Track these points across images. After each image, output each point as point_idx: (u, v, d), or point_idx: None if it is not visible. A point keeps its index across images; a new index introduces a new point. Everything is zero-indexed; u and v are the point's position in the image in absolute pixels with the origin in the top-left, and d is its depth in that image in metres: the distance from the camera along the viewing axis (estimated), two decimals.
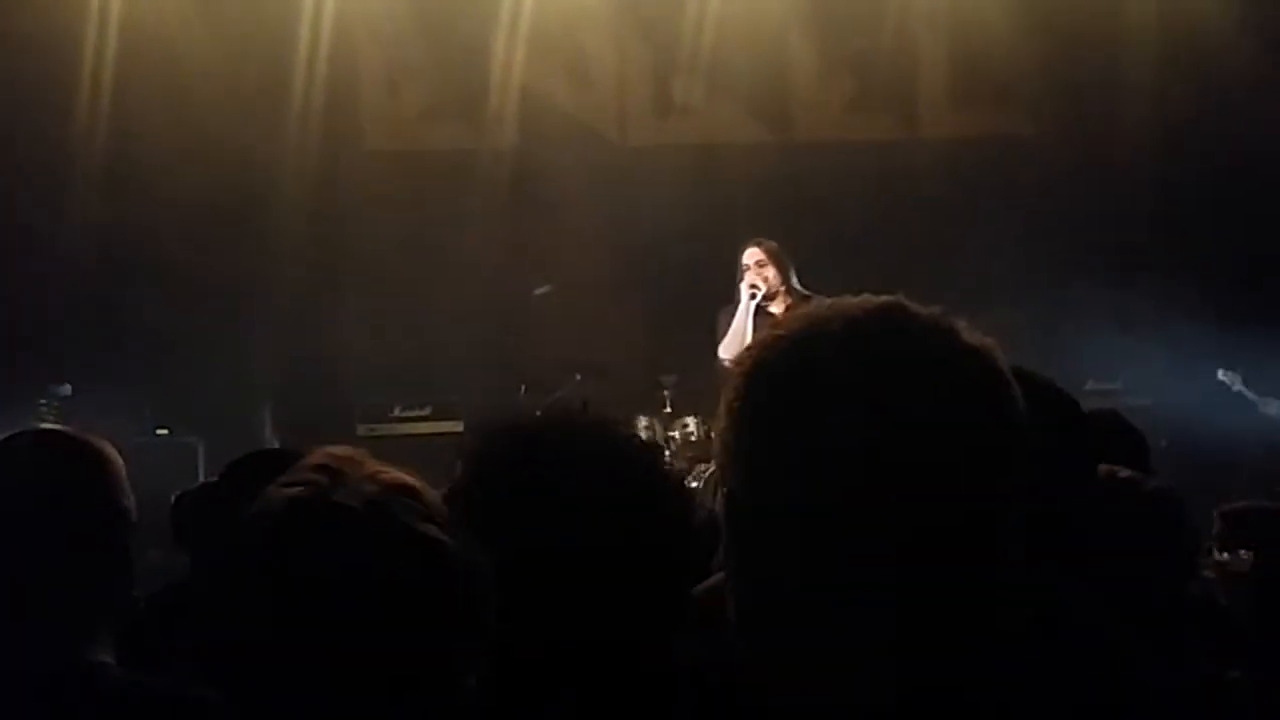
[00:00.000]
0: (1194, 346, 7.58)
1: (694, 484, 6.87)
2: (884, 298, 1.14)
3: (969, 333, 1.11)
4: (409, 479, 1.33)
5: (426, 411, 8.01)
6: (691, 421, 7.42)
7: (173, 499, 4.35)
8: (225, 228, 8.29)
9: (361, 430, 7.73)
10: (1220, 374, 7.82)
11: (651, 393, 7.67)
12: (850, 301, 1.14)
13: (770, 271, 6.60)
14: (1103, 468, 2.34)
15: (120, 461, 2.18)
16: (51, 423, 6.77)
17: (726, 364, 6.58)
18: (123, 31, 8.38)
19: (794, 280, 6.64)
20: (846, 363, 1.08)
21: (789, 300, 6.53)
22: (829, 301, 1.14)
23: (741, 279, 6.64)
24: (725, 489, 1.12)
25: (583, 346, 8.08)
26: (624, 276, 8.65)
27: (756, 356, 1.12)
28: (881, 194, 8.56)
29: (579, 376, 7.73)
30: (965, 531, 1.03)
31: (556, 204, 8.61)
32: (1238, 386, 7.81)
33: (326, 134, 8.70)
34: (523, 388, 7.78)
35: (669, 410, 7.55)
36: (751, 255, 6.65)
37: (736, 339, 6.48)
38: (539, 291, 7.95)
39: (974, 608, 1.04)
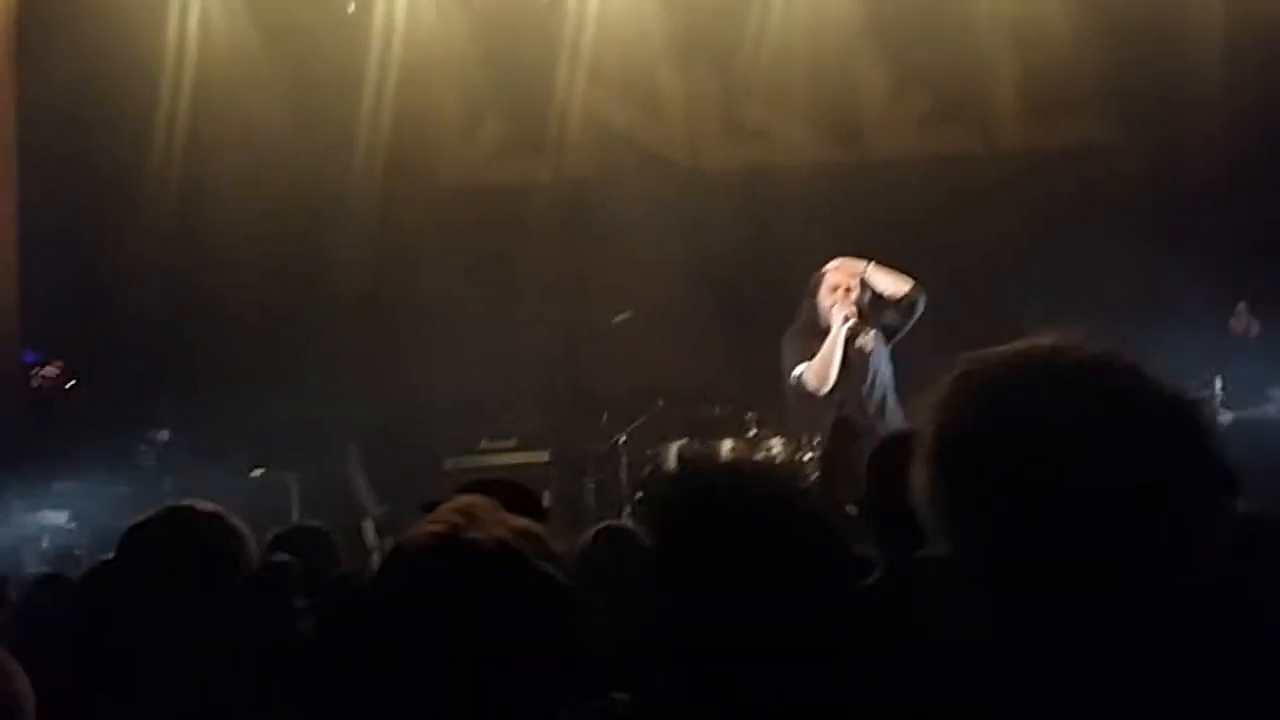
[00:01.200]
0: (1266, 355, 7.43)
1: None
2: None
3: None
4: (532, 525, 1.43)
5: (512, 443, 8.07)
6: (776, 444, 7.40)
7: (269, 537, 4.48)
8: (301, 269, 8.44)
9: (449, 464, 7.81)
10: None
11: (734, 416, 7.68)
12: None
13: (857, 298, 6.51)
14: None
15: (247, 533, 2.34)
16: (152, 467, 6.95)
17: (810, 390, 6.53)
18: (198, 76, 8.59)
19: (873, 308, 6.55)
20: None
21: (864, 323, 6.47)
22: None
23: (818, 299, 6.55)
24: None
25: (662, 373, 8.10)
26: (700, 301, 8.67)
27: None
28: (958, 208, 8.49)
29: (661, 403, 7.76)
30: None
31: (629, 232, 8.66)
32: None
33: (401, 175, 8.84)
34: (604, 415, 7.82)
35: (753, 433, 7.54)
36: (842, 279, 6.52)
37: (825, 367, 6.41)
38: (618, 319, 8.00)
39: None
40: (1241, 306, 7.49)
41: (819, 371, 6.46)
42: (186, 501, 2.46)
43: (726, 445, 7.31)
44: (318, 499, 7.02)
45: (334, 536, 4.61)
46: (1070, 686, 1.10)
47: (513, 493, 2.79)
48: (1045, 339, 1.20)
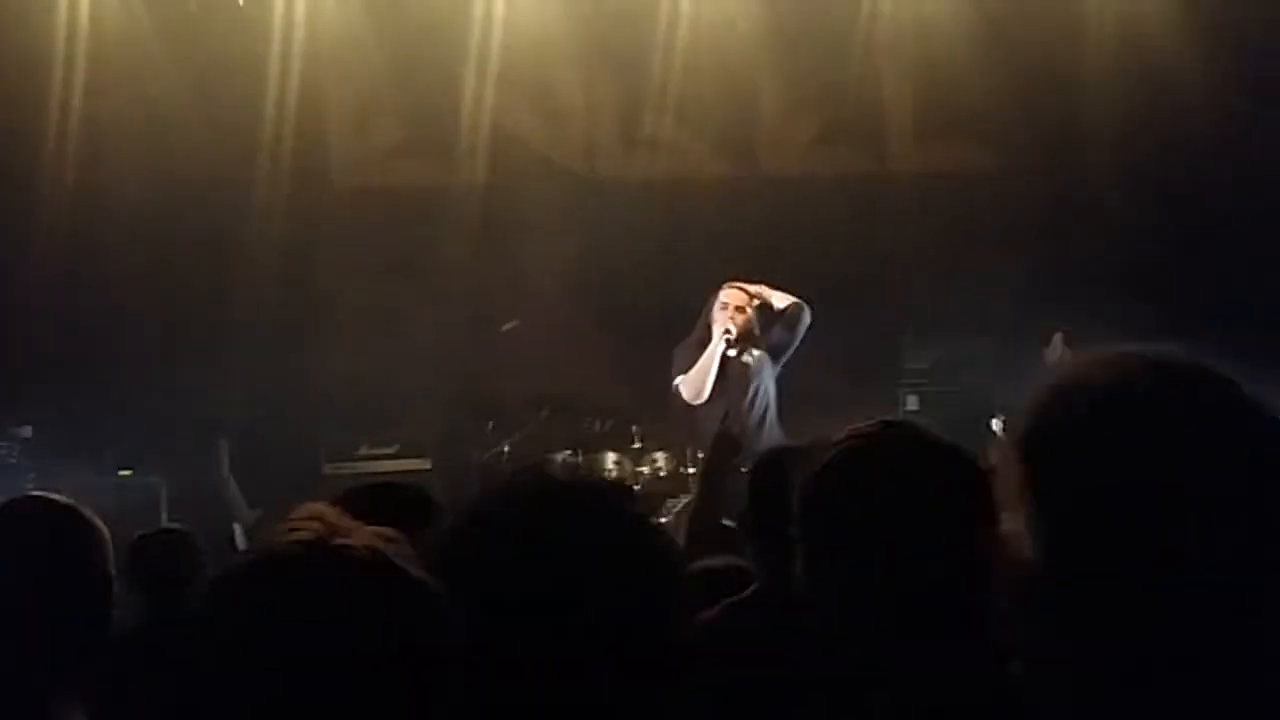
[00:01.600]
0: None
1: (663, 519, 6.85)
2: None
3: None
4: (390, 531, 1.36)
5: (393, 450, 7.95)
6: (660, 457, 7.40)
7: (134, 541, 4.34)
8: (191, 264, 8.24)
9: (327, 469, 7.68)
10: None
11: (620, 428, 7.65)
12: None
13: (745, 318, 6.61)
14: None
15: (101, 530, 2.24)
16: (13, 464, 6.70)
17: (685, 400, 6.59)
18: (91, 67, 8.36)
19: (758, 325, 6.66)
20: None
21: (750, 343, 6.59)
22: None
23: (710, 316, 6.63)
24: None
25: (551, 382, 8.04)
26: (593, 311, 8.63)
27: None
28: (849, 228, 8.59)
29: (546, 412, 7.70)
30: None
31: (525, 239, 8.61)
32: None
33: (295, 171, 8.68)
34: (490, 424, 7.74)
35: (638, 446, 7.53)
36: (733, 298, 6.63)
37: (700, 379, 6.51)
38: (506, 327, 7.93)
39: None
40: (1057, 338, 7.65)
41: (694, 382, 6.58)
42: (40, 492, 2.38)
43: (610, 458, 7.29)
44: (187, 502, 6.82)
45: (199, 540, 4.49)
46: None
47: (405, 497, 2.70)
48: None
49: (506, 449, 7.59)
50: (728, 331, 6.56)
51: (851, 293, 8.42)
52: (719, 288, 6.85)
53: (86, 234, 8.20)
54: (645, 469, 7.38)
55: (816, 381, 7.06)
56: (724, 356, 6.54)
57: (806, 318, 6.74)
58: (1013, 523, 1.13)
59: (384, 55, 8.78)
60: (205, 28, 8.46)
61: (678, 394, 6.68)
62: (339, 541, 1.30)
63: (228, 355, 7.99)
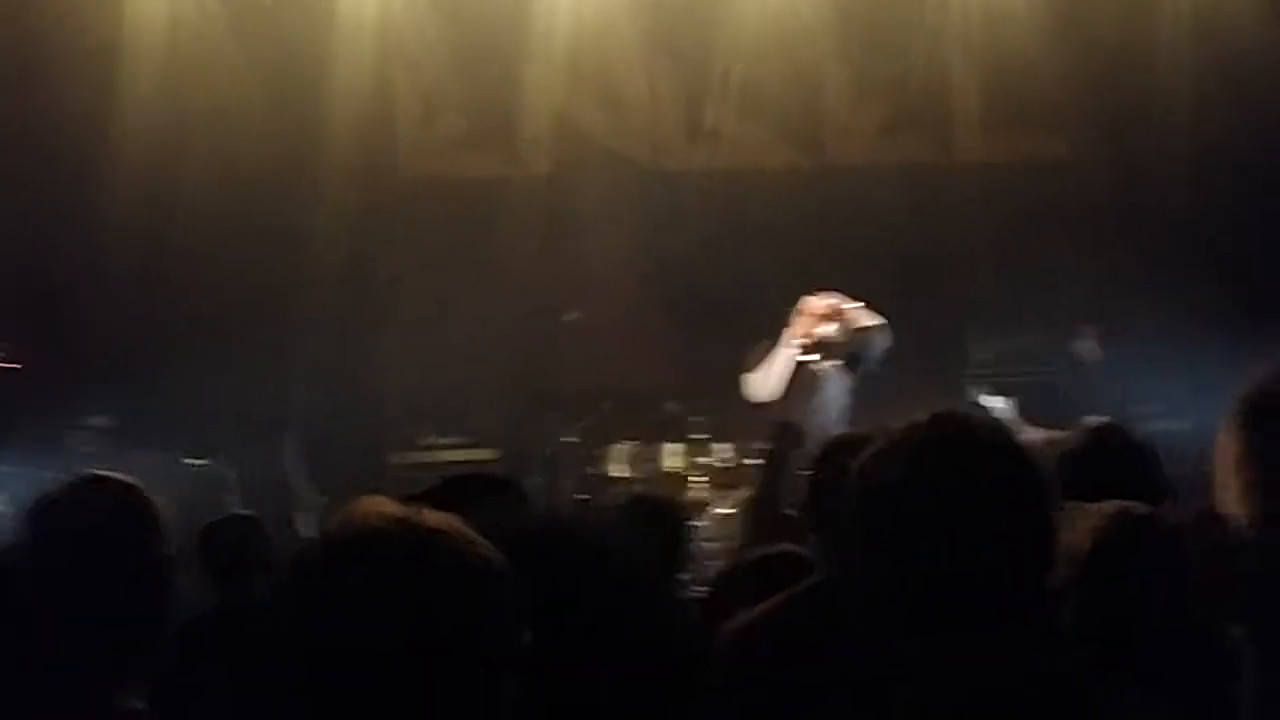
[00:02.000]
0: (1232, 368, 7.45)
1: (725, 511, 6.85)
2: None
3: None
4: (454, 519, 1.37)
5: (458, 440, 8.00)
6: (723, 449, 7.38)
7: (203, 528, 4.41)
8: (260, 256, 8.34)
9: (392, 459, 7.73)
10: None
11: (682, 419, 7.65)
12: None
13: (823, 328, 6.58)
14: None
15: (162, 511, 2.23)
16: (90, 453, 6.82)
17: (750, 396, 6.56)
18: (163, 59, 8.47)
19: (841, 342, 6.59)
20: None
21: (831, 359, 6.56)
22: None
23: (797, 320, 6.61)
24: None
25: (614, 372, 8.05)
26: (656, 302, 8.63)
27: None
28: (915, 217, 8.50)
29: (609, 403, 7.71)
30: None
31: (589, 230, 8.62)
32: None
33: (362, 163, 8.75)
34: (554, 415, 7.76)
35: (701, 437, 7.52)
36: (814, 306, 6.60)
37: (767, 379, 6.53)
38: (569, 318, 7.94)
39: None
40: (1088, 332, 7.50)
41: (760, 381, 6.60)
42: (102, 470, 2.37)
43: (671, 449, 7.29)
44: (257, 490, 6.91)
45: (267, 527, 4.55)
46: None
47: (490, 484, 2.71)
48: None
49: (571, 439, 7.61)
50: (805, 337, 6.55)
51: (917, 283, 8.34)
52: (809, 293, 6.82)
53: (159, 227, 8.32)
54: (707, 460, 7.37)
55: (882, 372, 7.01)
56: (797, 362, 6.53)
57: (887, 340, 6.69)
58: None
59: (449, 46, 8.82)
60: (275, 20, 8.55)
61: (745, 388, 6.64)
62: (418, 520, 1.32)
63: (296, 347, 8.08)
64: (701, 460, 7.39)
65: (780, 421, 5.06)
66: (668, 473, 7.36)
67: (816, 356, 6.60)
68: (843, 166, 9.01)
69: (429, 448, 7.93)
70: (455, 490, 2.42)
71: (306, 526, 6.89)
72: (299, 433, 7.80)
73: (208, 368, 7.64)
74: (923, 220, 8.53)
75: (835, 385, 6.65)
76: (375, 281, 8.52)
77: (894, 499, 1.67)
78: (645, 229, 8.64)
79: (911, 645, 1.66)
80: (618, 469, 7.40)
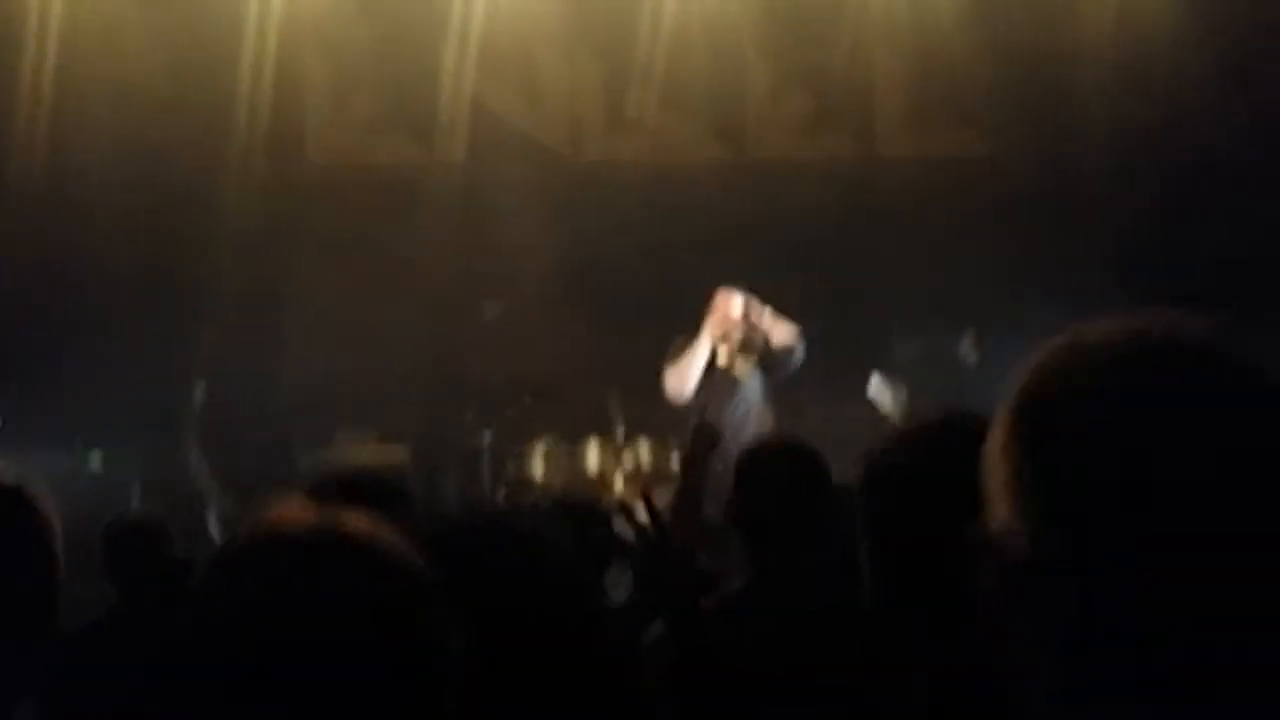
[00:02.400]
0: None
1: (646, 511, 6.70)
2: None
3: None
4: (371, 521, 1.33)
5: (371, 435, 7.80)
6: (645, 446, 7.27)
7: (104, 529, 4.22)
8: (163, 245, 8.06)
9: (302, 456, 7.49)
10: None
11: (603, 416, 7.50)
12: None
13: (738, 328, 6.59)
14: None
15: (51, 510, 2.09)
16: None
17: (666, 393, 6.50)
18: (63, 35, 8.18)
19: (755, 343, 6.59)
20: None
21: (746, 358, 6.58)
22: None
23: (712, 315, 6.58)
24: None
25: (534, 368, 7.89)
26: (577, 295, 8.45)
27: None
28: (838, 212, 8.47)
29: (528, 399, 7.55)
30: None
31: (507, 221, 8.46)
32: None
33: (269, 145, 8.50)
34: (471, 411, 7.58)
35: (622, 433, 7.38)
36: (729, 305, 6.59)
37: (683, 375, 6.54)
38: (489, 312, 7.76)
39: None
40: (968, 333, 7.57)
41: (675, 378, 6.59)
42: None
43: (594, 446, 7.17)
44: (160, 488, 6.66)
45: (171, 526, 4.39)
46: None
47: (377, 488, 2.59)
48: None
49: (487, 437, 7.44)
50: (719, 337, 6.56)
51: (840, 278, 8.33)
52: (719, 288, 6.78)
53: (56, 216, 8.01)
54: (629, 457, 7.25)
55: (805, 369, 6.94)
56: (713, 363, 6.54)
57: (800, 351, 6.67)
58: (1000, 515, 0.97)
59: (364, 29, 8.62)
60: (184, 2, 8.28)
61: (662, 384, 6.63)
62: (341, 524, 1.28)
63: (200, 339, 7.82)
64: (624, 458, 7.25)
65: (697, 423, 4.96)
66: (589, 471, 7.23)
67: (730, 357, 6.59)
68: (766, 160, 8.95)
69: (340, 443, 7.71)
70: (330, 492, 2.33)
71: (214, 525, 6.64)
72: (200, 429, 7.53)
73: (106, 361, 7.35)
74: (846, 215, 8.50)
75: (752, 386, 6.62)
76: (283, 271, 8.26)
77: (902, 485, 1.65)
78: (566, 220, 8.50)
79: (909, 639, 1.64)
80: (537, 467, 7.24)
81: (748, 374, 6.57)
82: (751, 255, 8.07)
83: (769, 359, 6.62)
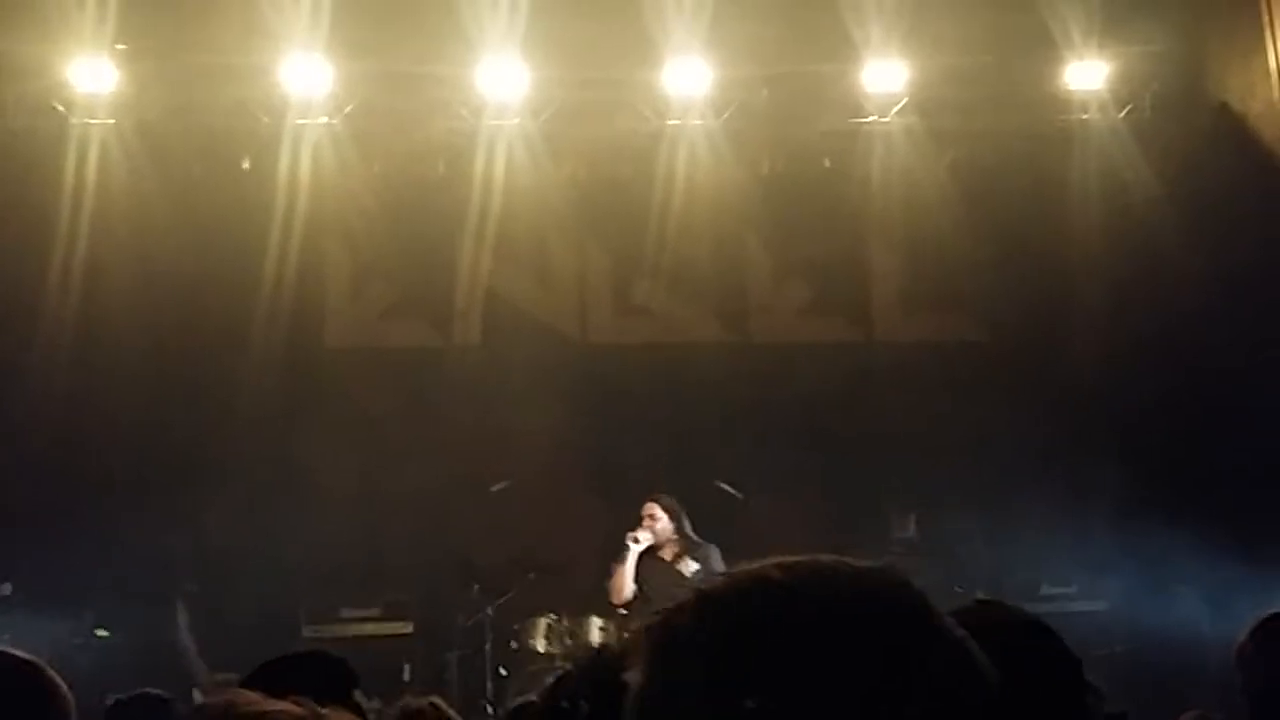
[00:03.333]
0: (1147, 551, 7.55)
1: None
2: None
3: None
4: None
5: (376, 612, 7.84)
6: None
7: (108, 703, 4.23)
8: (179, 420, 8.25)
9: (307, 631, 7.54)
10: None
11: (604, 591, 7.56)
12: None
13: (659, 524, 7.26)
14: None
15: (65, 689, 2.15)
16: None
17: (611, 601, 7.15)
18: (94, 215, 8.44)
19: (686, 528, 7.28)
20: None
21: (680, 546, 7.23)
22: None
23: (644, 520, 7.26)
24: None
25: (538, 544, 7.98)
26: (582, 473, 8.61)
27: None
28: (839, 395, 8.65)
29: (532, 575, 7.62)
30: None
31: (516, 401, 8.65)
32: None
33: (289, 330, 8.72)
34: (475, 587, 7.64)
35: (625, 610, 7.44)
36: (646, 509, 7.33)
37: (619, 582, 7.17)
38: (496, 488, 7.90)
39: None
40: (907, 515, 7.73)
41: (613, 590, 7.25)
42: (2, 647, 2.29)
43: (596, 623, 7.20)
44: (153, 663, 6.70)
45: (176, 705, 4.39)
46: None
47: (323, 667, 2.66)
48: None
49: (490, 612, 7.49)
50: (634, 539, 7.21)
51: (839, 459, 8.43)
52: (649, 499, 7.44)
53: (81, 392, 8.21)
54: (627, 635, 7.26)
55: (804, 546, 6.99)
56: (663, 561, 7.14)
57: (715, 559, 7.12)
58: None
59: (383, 218, 8.92)
60: (209, 188, 8.63)
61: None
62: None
63: (212, 513, 7.93)
64: (625, 633, 7.27)
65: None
66: (591, 646, 7.24)
67: (671, 554, 7.20)
68: (768, 344, 9.17)
69: (344, 620, 7.76)
70: (280, 672, 2.38)
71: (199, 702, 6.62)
72: (209, 602, 7.60)
73: (117, 535, 7.47)
74: (844, 397, 8.67)
75: (697, 575, 7.06)
76: (296, 448, 8.42)
77: None
78: (573, 400, 8.69)
79: None
80: (540, 642, 7.28)
81: (691, 572, 7.10)
82: (754, 432, 8.25)
83: (692, 550, 7.23)
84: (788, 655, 0.98)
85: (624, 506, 8.13)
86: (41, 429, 8.10)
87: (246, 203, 8.66)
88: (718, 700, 0.97)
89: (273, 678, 1.46)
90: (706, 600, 1.03)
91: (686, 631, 1.02)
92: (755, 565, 1.06)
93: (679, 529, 7.28)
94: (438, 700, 2.97)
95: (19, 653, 2.25)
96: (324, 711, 1.36)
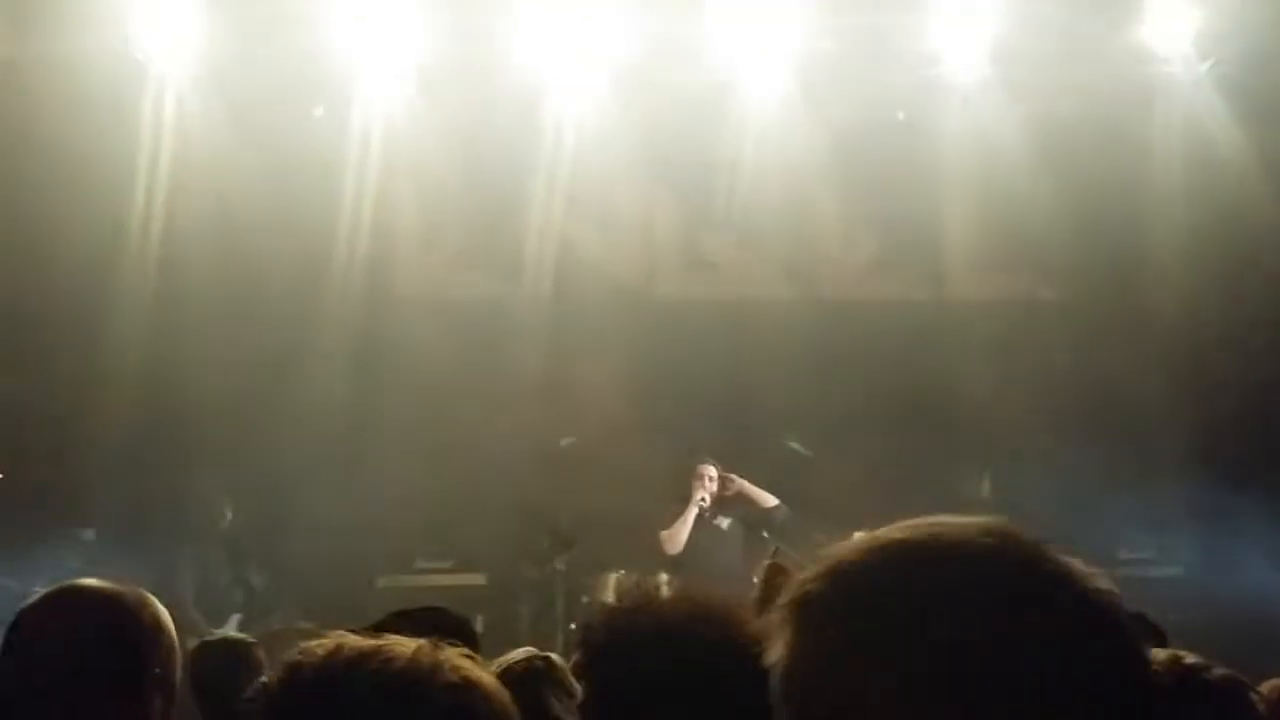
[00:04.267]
0: (1225, 517, 7.47)
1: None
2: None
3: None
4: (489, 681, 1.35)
5: (449, 564, 7.93)
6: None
7: (195, 647, 4.32)
8: (257, 369, 8.35)
9: (382, 582, 7.64)
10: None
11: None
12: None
13: (720, 490, 7.67)
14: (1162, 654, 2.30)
15: (159, 618, 2.15)
16: (74, 565, 6.74)
17: (665, 550, 7.47)
18: (172, 172, 8.54)
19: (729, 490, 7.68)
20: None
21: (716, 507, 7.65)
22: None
23: (697, 483, 7.61)
24: None
25: (607, 499, 8.01)
26: (648, 428, 8.60)
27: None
28: (908, 353, 8.58)
29: (602, 530, 7.67)
30: None
31: (585, 353, 8.67)
32: None
33: (361, 278, 8.79)
34: (547, 541, 7.71)
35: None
36: (702, 470, 7.69)
37: (678, 534, 7.57)
38: (565, 442, 7.93)
39: None
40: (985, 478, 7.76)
41: (669, 541, 7.58)
42: (79, 580, 2.25)
43: (664, 578, 7.24)
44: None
45: (258, 650, 4.47)
46: None
47: (443, 621, 2.70)
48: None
49: (560, 566, 7.55)
50: (703, 499, 7.59)
51: (910, 418, 8.37)
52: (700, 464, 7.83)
53: (160, 337, 8.34)
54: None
55: (875, 507, 6.98)
56: (698, 519, 7.54)
57: (782, 514, 7.62)
58: None
59: (453, 166, 8.92)
60: (283, 135, 8.66)
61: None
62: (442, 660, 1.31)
63: (289, 464, 8.03)
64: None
65: (770, 563, 5.07)
66: None
67: (715, 515, 7.61)
68: (836, 300, 9.10)
69: (418, 571, 7.85)
70: (398, 628, 2.40)
71: None
72: (290, 552, 7.72)
73: (202, 484, 7.60)
74: (914, 354, 8.60)
75: (733, 536, 7.56)
76: (371, 400, 8.49)
77: None
78: (638, 354, 8.72)
79: None
80: (610, 596, 7.34)
81: (730, 528, 7.59)
82: (820, 392, 8.21)
83: (750, 517, 7.66)
84: (928, 618, 1.01)
85: (689, 462, 8.16)
86: (122, 377, 8.23)
87: (321, 147, 8.69)
88: (865, 667, 1.01)
89: (390, 632, 1.48)
90: (841, 568, 1.06)
91: (825, 601, 1.05)
92: (875, 532, 1.08)
93: (722, 490, 7.69)
94: (553, 656, 2.98)
95: (102, 583, 2.21)
96: (443, 645, 1.37)
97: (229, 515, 7.74)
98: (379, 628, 1.64)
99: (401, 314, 8.91)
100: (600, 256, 9.19)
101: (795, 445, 8.00)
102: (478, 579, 7.79)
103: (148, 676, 2.13)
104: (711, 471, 7.69)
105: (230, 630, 6.84)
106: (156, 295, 8.37)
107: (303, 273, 8.61)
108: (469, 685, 1.34)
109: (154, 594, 2.25)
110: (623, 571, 7.39)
